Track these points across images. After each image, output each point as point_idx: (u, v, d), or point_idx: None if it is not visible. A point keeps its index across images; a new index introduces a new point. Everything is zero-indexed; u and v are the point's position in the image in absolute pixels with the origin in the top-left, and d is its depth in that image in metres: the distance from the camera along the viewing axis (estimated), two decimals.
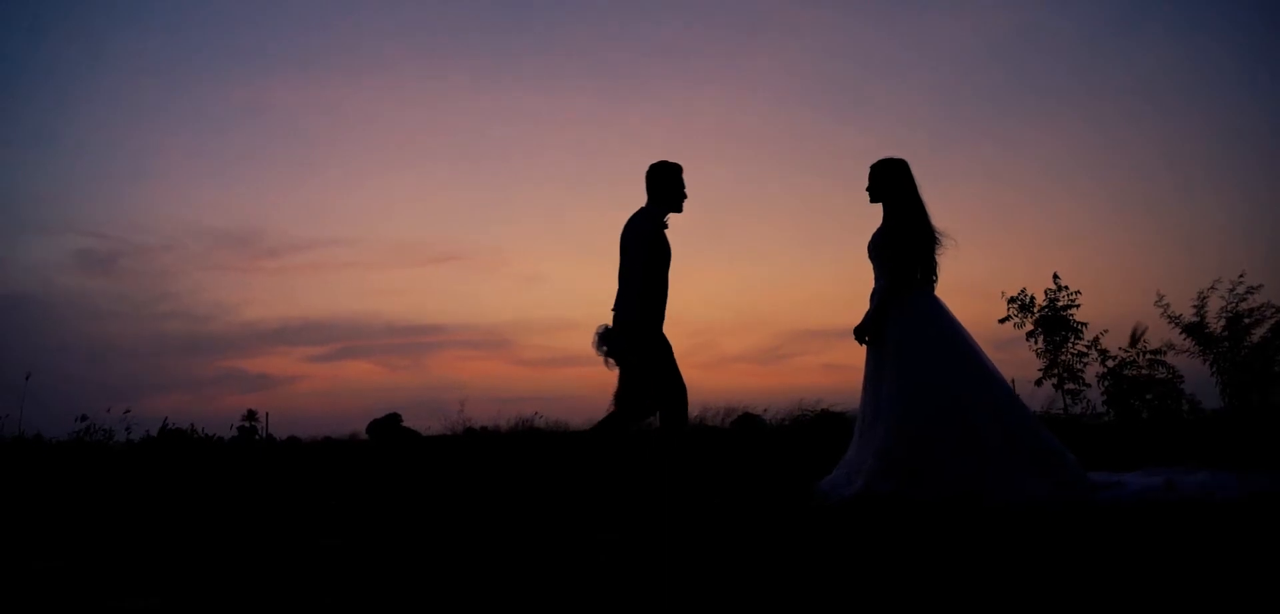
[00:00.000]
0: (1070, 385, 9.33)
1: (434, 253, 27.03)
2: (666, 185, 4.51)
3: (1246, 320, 8.78)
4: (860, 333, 4.44)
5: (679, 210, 4.55)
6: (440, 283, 27.28)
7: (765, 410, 11.28)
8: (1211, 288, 8.91)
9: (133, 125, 23.85)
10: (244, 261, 26.14)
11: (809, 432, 9.53)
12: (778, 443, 8.12)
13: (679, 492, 4.25)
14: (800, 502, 4.17)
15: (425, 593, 2.38)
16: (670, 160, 4.55)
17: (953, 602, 2.09)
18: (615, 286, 4.51)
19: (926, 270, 4.38)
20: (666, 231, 4.51)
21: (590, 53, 24.72)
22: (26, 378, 9.27)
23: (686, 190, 4.55)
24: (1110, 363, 9.23)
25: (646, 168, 4.57)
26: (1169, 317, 9.17)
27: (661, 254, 4.45)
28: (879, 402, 4.29)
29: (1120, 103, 21.69)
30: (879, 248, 4.48)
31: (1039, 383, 9.48)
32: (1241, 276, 8.73)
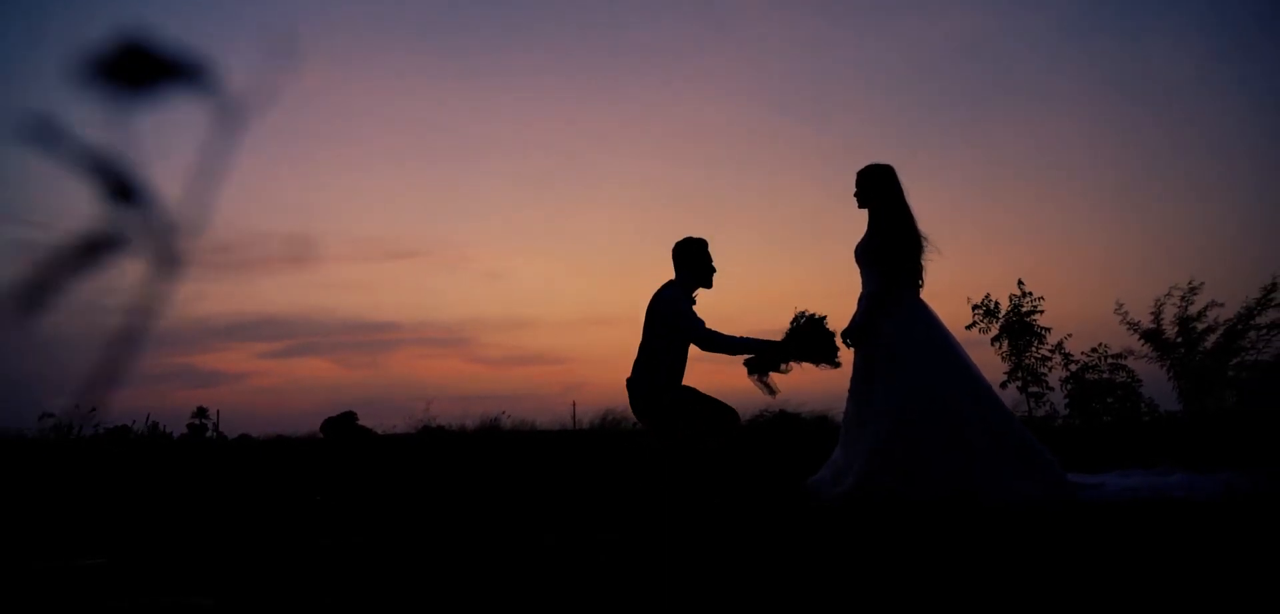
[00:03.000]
0: (1034, 388, 9.59)
1: (393, 249, 26.62)
2: (695, 261, 4.53)
3: (1199, 327, 9.12)
4: (849, 336, 4.50)
5: (708, 285, 4.57)
6: (399, 279, 26.87)
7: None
8: (1167, 295, 9.26)
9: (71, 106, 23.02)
10: (195, 255, 25.41)
11: (768, 433, 9.61)
12: (743, 445, 8.16)
13: (676, 492, 4.25)
14: (798, 502, 4.20)
15: (429, 593, 2.34)
16: (696, 237, 4.58)
17: (960, 600, 2.12)
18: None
19: (912, 274, 4.46)
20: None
21: (555, 50, 24.63)
22: None
23: (714, 264, 4.57)
24: (1073, 366, 9.52)
25: (673, 245, 4.60)
26: (1128, 323, 9.50)
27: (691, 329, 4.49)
28: (868, 403, 4.34)
29: (1086, 106, 22.40)
30: (867, 253, 4.54)
31: (1003, 386, 9.73)
32: (1191, 283, 9.08)
